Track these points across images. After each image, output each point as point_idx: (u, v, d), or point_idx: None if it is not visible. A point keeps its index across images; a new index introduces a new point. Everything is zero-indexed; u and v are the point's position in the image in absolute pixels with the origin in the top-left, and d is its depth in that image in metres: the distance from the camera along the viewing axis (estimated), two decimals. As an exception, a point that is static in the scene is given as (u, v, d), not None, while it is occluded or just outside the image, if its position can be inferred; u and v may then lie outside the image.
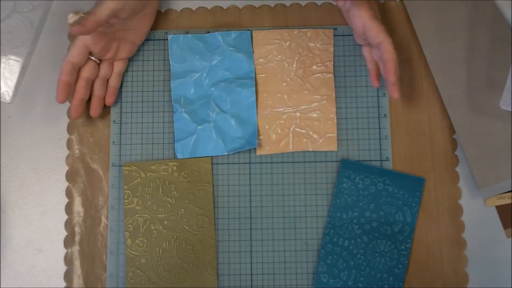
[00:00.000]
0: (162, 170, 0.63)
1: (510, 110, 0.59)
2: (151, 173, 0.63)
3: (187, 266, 0.61)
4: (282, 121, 0.64)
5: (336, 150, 0.63)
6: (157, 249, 0.61)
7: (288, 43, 0.65)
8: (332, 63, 0.65)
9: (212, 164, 0.63)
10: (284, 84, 0.65)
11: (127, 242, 0.61)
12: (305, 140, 0.63)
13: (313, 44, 0.65)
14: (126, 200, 0.62)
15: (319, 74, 0.65)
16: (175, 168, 0.63)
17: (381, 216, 0.61)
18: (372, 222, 0.61)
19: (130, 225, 0.62)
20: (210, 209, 0.62)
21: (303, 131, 0.63)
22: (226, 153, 0.63)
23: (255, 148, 0.63)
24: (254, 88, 0.64)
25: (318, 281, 0.60)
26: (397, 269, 0.60)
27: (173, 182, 0.62)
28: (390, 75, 0.57)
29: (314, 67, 0.65)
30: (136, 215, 0.62)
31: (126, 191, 0.62)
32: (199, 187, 0.62)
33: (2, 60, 0.66)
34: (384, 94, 0.64)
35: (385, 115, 0.64)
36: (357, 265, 0.60)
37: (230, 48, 0.65)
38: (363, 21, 0.57)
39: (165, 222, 0.62)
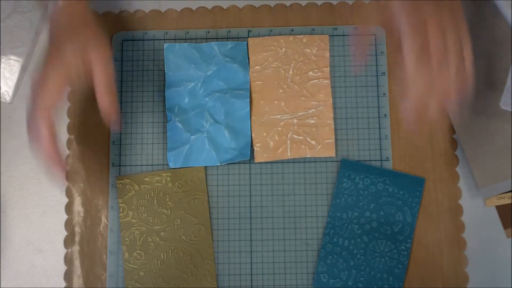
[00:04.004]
0: (156, 182, 0.62)
1: (510, 110, 0.59)
2: (145, 185, 0.62)
3: (186, 276, 0.61)
4: (279, 128, 0.64)
5: (334, 156, 0.63)
6: (155, 261, 0.61)
7: (284, 49, 0.65)
8: (328, 68, 0.65)
9: (207, 169, 0.63)
10: (280, 91, 0.64)
11: (125, 255, 0.61)
12: (303, 146, 0.63)
13: (309, 50, 0.65)
14: (121, 214, 0.62)
15: (316, 80, 0.65)
16: (168, 178, 0.62)
17: (381, 216, 0.61)
18: (372, 222, 0.61)
19: (127, 239, 0.61)
20: (206, 218, 0.62)
21: (301, 137, 0.63)
22: (219, 164, 0.63)
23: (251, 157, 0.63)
24: (249, 100, 0.63)
25: (318, 281, 0.60)
26: (397, 269, 0.60)
27: (167, 193, 0.62)
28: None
29: (311, 73, 0.65)
30: (133, 228, 0.62)
31: (121, 204, 0.62)
32: (193, 197, 0.62)
33: (2, 60, 0.66)
34: (384, 94, 0.64)
35: (385, 115, 0.64)
36: (357, 265, 0.60)
37: (226, 59, 0.65)
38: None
39: (162, 233, 0.61)
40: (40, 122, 0.50)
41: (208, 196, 0.62)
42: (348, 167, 0.62)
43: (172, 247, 0.61)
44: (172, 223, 0.62)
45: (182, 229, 0.62)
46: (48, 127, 0.50)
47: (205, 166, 0.63)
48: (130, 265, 0.61)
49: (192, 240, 0.61)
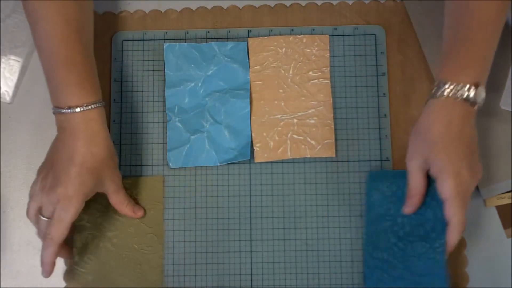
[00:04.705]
0: None
1: (510, 110, 0.59)
2: None
3: (132, 284, 0.60)
4: (279, 128, 0.64)
5: (334, 156, 0.63)
6: (104, 266, 0.61)
7: (284, 49, 0.65)
8: (328, 69, 0.65)
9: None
10: (281, 91, 0.64)
11: (75, 258, 0.60)
12: (303, 146, 0.63)
13: (309, 50, 0.65)
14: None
15: (316, 80, 0.65)
16: (127, 186, 0.62)
17: (412, 218, 0.58)
18: (405, 227, 0.58)
19: (79, 242, 0.61)
20: (160, 228, 0.61)
21: (301, 137, 0.63)
22: (219, 164, 0.63)
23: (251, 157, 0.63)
24: (249, 100, 0.64)
25: None
26: (437, 268, 0.57)
27: None
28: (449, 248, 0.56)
29: (311, 73, 0.65)
30: (86, 232, 0.61)
31: None
32: (150, 206, 0.62)
33: (2, 60, 0.66)
34: (384, 94, 0.64)
35: (385, 115, 0.64)
36: (399, 276, 0.58)
37: (226, 59, 0.65)
38: (445, 195, 0.54)
39: (114, 240, 0.61)
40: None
41: (163, 207, 0.62)
42: (375, 179, 0.61)
43: (123, 255, 0.61)
44: (125, 231, 0.61)
45: (135, 238, 0.61)
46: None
47: (163, 176, 0.63)
48: (79, 269, 0.60)
49: (144, 250, 0.61)
